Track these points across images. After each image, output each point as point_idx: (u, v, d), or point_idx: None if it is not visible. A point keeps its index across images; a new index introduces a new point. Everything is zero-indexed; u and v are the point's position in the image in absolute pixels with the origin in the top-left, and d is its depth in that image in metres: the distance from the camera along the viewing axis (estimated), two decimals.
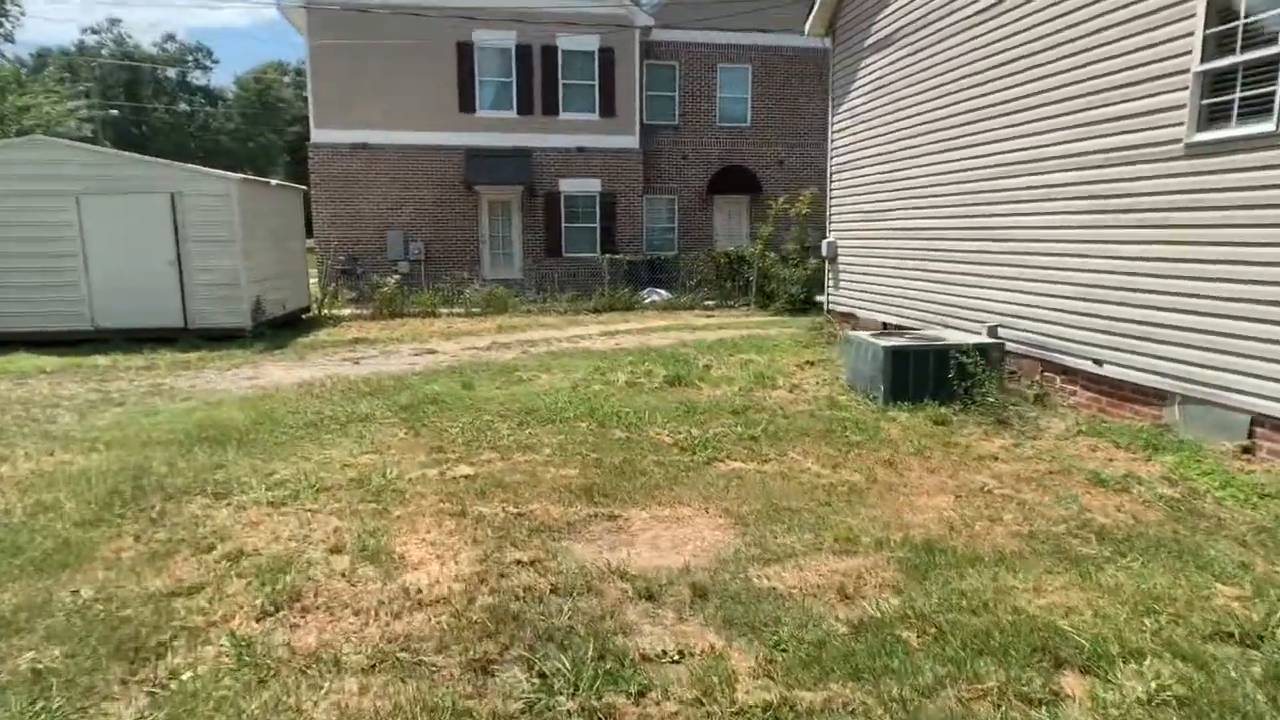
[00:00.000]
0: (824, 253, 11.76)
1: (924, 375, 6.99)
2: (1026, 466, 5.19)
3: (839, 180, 11.32)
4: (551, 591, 3.39)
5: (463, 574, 3.57)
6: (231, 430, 6.20)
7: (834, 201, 11.56)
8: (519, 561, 3.70)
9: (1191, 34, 5.46)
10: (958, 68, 8.09)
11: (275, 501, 4.58)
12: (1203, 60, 5.40)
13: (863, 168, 10.49)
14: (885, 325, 10.05)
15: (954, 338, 7.25)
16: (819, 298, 15.35)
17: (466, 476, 5.04)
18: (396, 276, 15.49)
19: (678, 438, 5.94)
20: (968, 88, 7.92)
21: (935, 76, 8.52)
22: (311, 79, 18.25)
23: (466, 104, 18.62)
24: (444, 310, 15.44)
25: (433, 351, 10.79)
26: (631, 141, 19.43)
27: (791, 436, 5.97)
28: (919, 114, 8.86)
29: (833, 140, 11.47)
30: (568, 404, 7.03)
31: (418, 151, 18.64)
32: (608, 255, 16.63)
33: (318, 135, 18.38)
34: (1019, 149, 7.23)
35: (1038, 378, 7.22)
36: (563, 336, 12.20)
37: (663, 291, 17.19)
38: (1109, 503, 4.47)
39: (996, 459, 5.37)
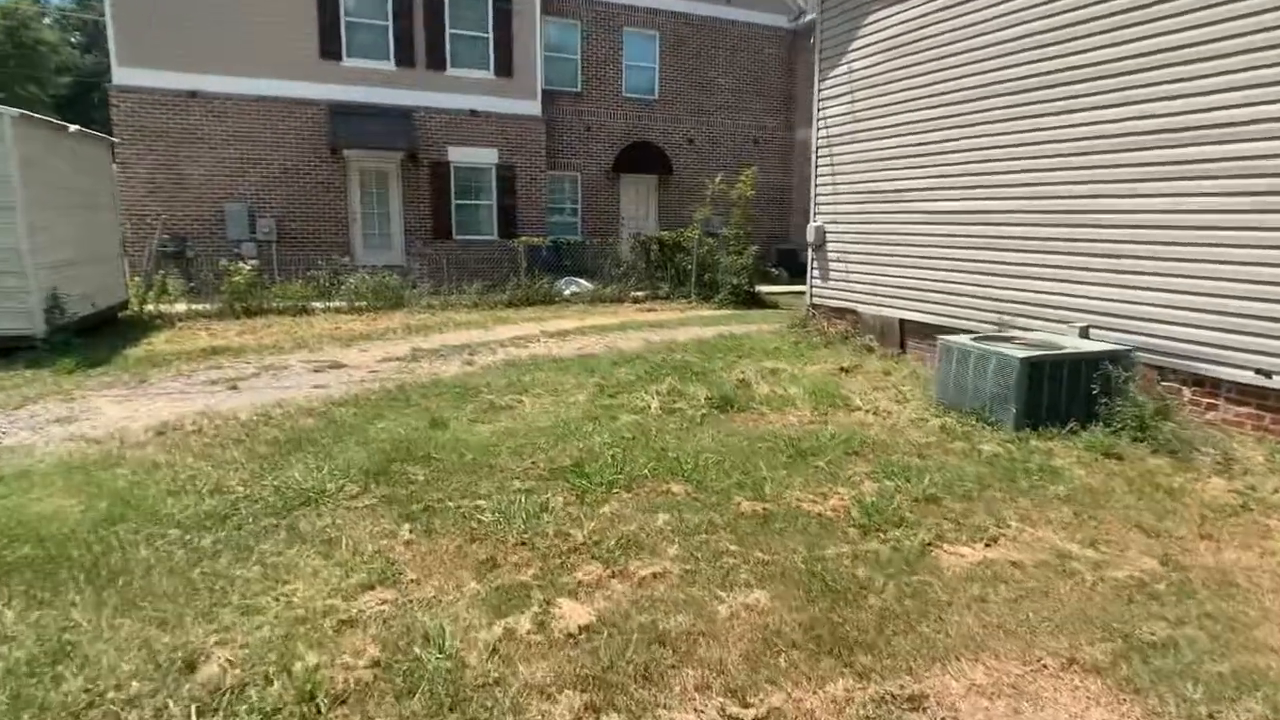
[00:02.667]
0: (809, 239, 10.16)
1: (1058, 393, 5.51)
2: None
3: (829, 157, 9.74)
4: None
5: None
6: (59, 549, 3.39)
7: (821, 181, 9.97)
8: None
9: None
10: (1031, 20, 6.67)
11: None
12: None
13: (868, 141, 8.95)
14: (903, 323, 8.61)
15: (1085, 345, 5.82)
16: (761, 288, 13.86)
17: (584, 631, 2.77)
18: (253, 262, 12.01)
19: (836, 508, 3.97)
20: (1050, 44, 6.52)
21: (993, 32, 7.08)
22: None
23: (330, 48, 15.16)
24: (319, 305, 12.21)
25: (338, 365, 7.94)
26: (533, 107, 16.87)
27: (969, 491, 4.23)
28: (965, 78, 7.41)
29: (821, 110, 9.86)
30: (616, 450, 4.81)
31: (266, 104, 14.93)
32: (524, 239, 14.07)
33: (124, 76, 14.13)
34: (1133, 117, 5.91)
35: (1156, 389, 5.96)
36: (498, 339, 9.70)
37: (583, 281, 14.94)
38: None
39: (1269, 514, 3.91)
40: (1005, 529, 3.78)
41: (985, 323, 7.45)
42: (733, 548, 3.49)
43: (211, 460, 4.65)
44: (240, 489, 4.12)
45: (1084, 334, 6.41)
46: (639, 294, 14.40)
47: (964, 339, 6.10)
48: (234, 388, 6.85)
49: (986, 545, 3.61)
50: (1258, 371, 5.39)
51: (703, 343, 9.33)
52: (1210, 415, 5.66)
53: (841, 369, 7.57)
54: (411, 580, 3.14)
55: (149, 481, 4.24)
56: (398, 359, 8.32)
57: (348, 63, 15.34)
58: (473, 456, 4.71)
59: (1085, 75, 6.29)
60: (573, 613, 2.88)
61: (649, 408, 5.96)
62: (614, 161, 18.82)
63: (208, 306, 11.62)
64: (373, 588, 3.07)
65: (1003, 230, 7.17)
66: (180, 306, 11.74)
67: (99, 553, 3.34)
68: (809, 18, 19.66)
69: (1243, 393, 5.51)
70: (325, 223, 15.71)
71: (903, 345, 8.67)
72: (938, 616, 2.93)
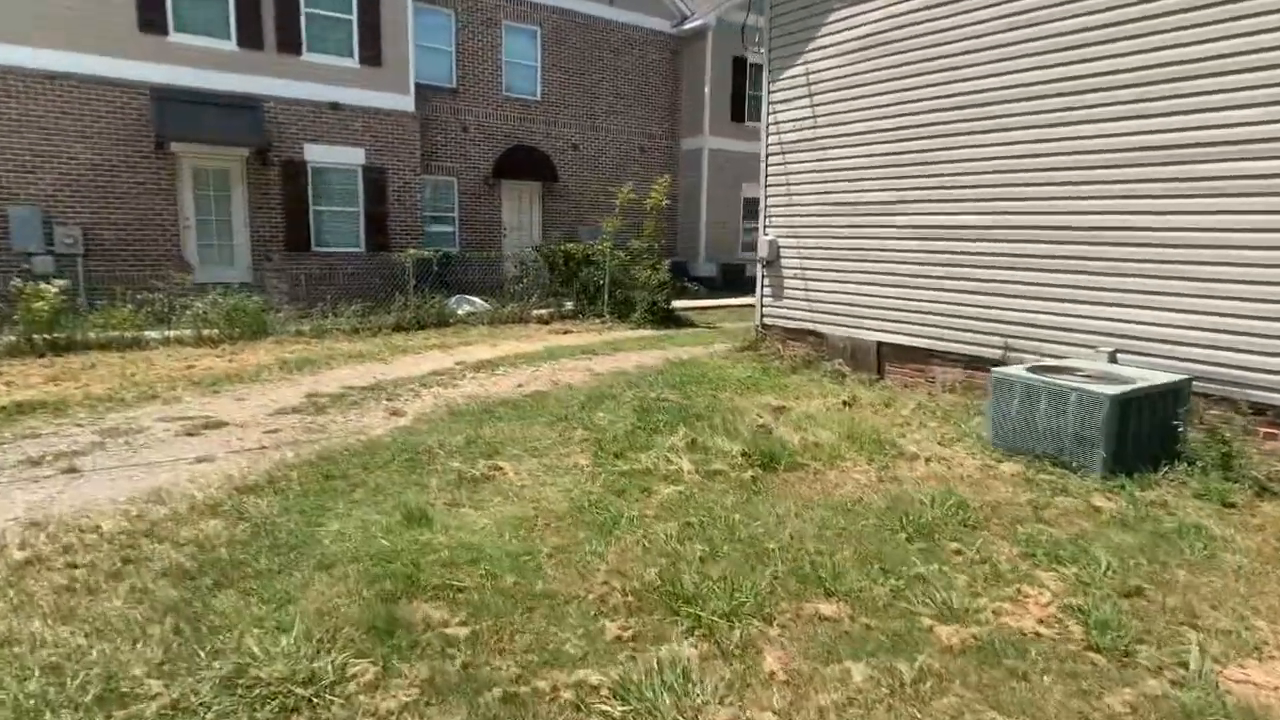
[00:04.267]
0: (760, 254, 9.34)
1: (1140, 430, 4.95)
2: None
3: (782, 165, 8.97)
4: None
5: None
6: None
7: (773, 191, 9.19)
8: None
9: None
10: (1048, 20, 6.22)
11: None
12: None
13: (835, 149, 8.27)
14: (880, 346, 7.99)
15: (1158, 376, 5.31)
16: (676, 305, 12.98)
17: None
18: (60, 283, 9.22)
19: (1045, 619, 3.03)
20: (1067, 48, 6.08)
21: (1011, 30, 6.58)
22: None
23: (152, 19, 12.38)
24: (154, 336, 9.67)
25: (215, 424, 5.96)
26: (405, 102, 14.89)
27: (1153, 573, 3.44)
28: (971, 80, 6.88)
29: (772, 114, 9.07)
30: (694, 546, 3.56)
31: (67, 84, 11.90)
32: (412, 252, 12.09)
33: None
34: (1180, 128, 5.55)
35: (1204, 417, 5.61)
36: (410, 375, 7.97)
37: (477, 300, 13.24)
38: None
39: None
40: (1253, 630, 2.99)
41: (986, 346, 6.93)
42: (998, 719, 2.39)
43: (82, 625, 2.85)
44: (150, 696, 2.42)
45: (1112, 359, 6.01)
46: (542, 312, 12.95)
47: (1019, 370, 5.42)
48: (72, 470, 4.77)
49: (1262, 660, 2.78)
50: None
51: (660, 373, 8.18)
52: (1269, 445, 5.32)
53: (844, 403, 6.72)
54: None
55: None
56: (294, 410, 6.44)
57: (176, 38, 12.61)
58: (511, 579, 3.26)
59: (1109, 83, 5.88)
60: None
61: (681, 471, 4.73)
62: (494, 166, 17.18)
63: None
64: None
65: (1012, 247, 6.67)
66: None
67: None
68: (693, 24, 19.22)
69: None
70: (149, 231, 12.82)
71: (879, 370, 8.03)
72: None
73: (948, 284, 7.26)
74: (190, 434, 5.66)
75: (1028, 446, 5.20)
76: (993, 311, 6.90)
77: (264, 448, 5.33)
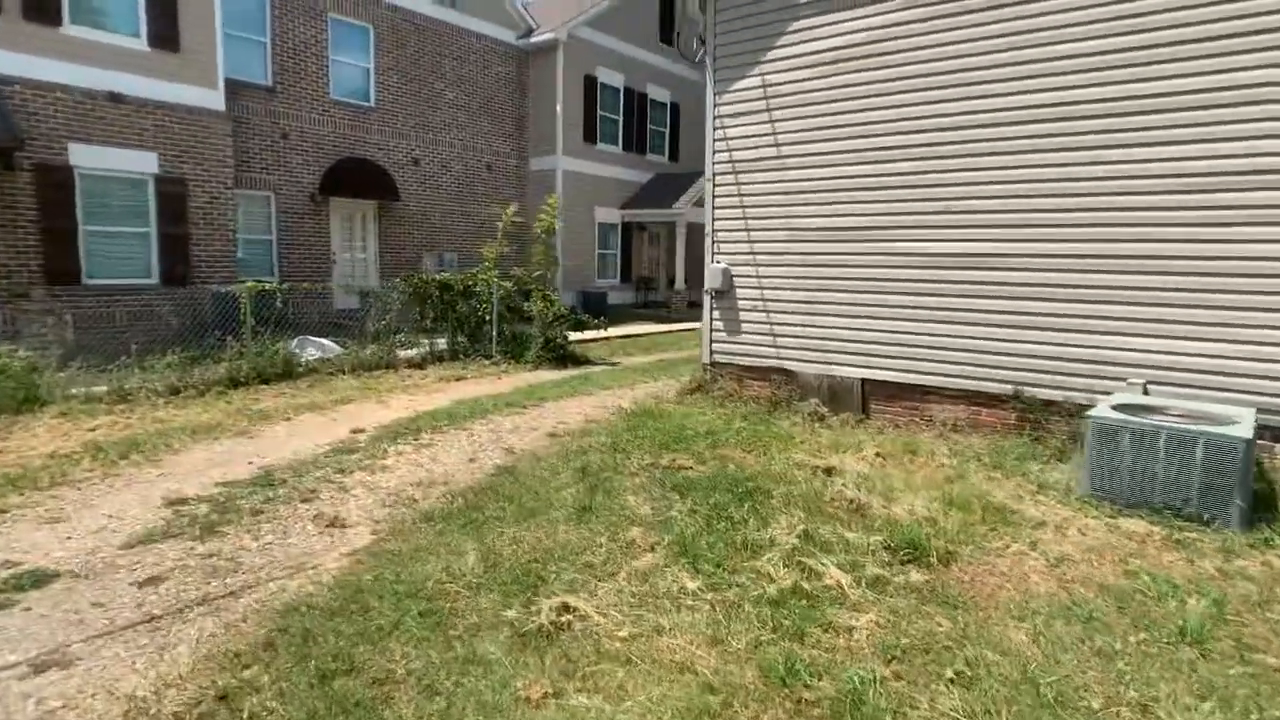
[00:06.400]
0: (709, 284, 8.28)
1: (1249, 475, 4.54)
2: None
3: (735, 185, 8.02)
4: None
5: None
6: None
7: (723, 214, 8.19)
8: None
9: None
10: (1085, 37, 5.87)
11: None
12: None
13: (803, 170, 7.47)
14: (865, 383, 7.27)
15: (1244, 413, 4.95)
16: (573, 337, 11.58)
17: None
18: None
19: None
20: (1113, 66, 5.75)
21: (1042, 45, 6.16)
22: None
23: None
24: None
25: (37, 579, 3.60)
26: (212, 98, 11.95)
27: None
28: (986, 99, 6.38)
29: (720, 129, 8.09)
30: None
31: None
32: (252, 285, 9.27)
33: None
34: (1246, 154, 5.37)
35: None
36: (303, 455, 5.82)
37: (325, 342, 10.75)
38: None
39: None
40: None
41: (993, 381, 6.43)
42: None
43: None
44: None
45: (1144, 392, 5.71)
46: (412, 354, 10.83)
47: (1109, 413, 4.82)
48: None
49: None
50: None
51: (628, 428, 6.76)
52: None
53: (879, 456, 5.82)
54: None
55: None
56: (164, 533, 4.19)
57: None
58: None
59: (1129, 108, 5.60)
60: None
61: (839, 584, 3.44)
62: (321, 181, 14.54)
63: None
64: None
65: (1029, 276, 6.21)
66: None
67: None
68: (542, 37, 17.93)
69: None
70: None
71: (864, 409, 7.30)
72: None
73: (948, 315, 6.69)
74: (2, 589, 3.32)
75: (1141, 499, 4.60)
76: (1002, 344, 6.41)
77: (152, 620, 3.20)
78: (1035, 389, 6.23)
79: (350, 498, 4.85)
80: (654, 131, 21.20)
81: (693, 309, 20.98)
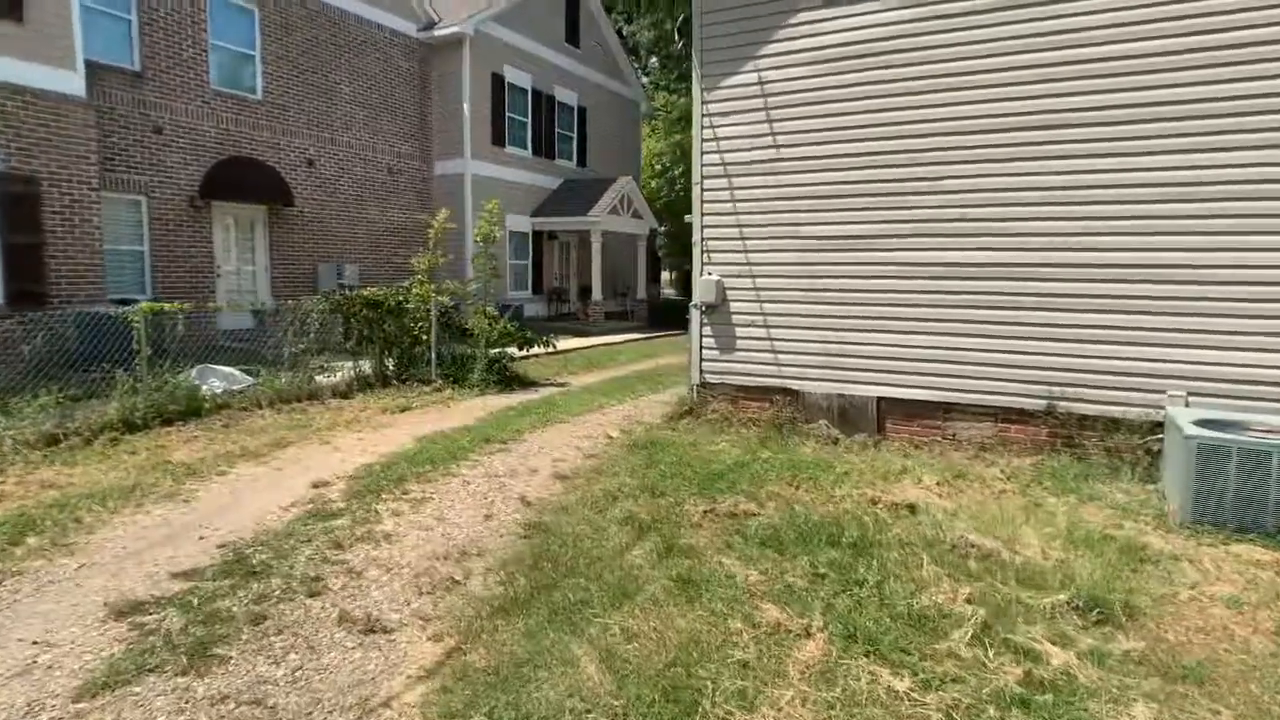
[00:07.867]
0: (699, 297, 7.61)
1: None
2: None
3: (728, 190, 7.42)
4: None
5: None
6: None
7: (715, 221, 7.56)
8: None
9: None
10: (1140, 37, 5.72)
11: None
12: None
13: (807, 174, 6.98)
14: (880, 402, 6.88)
15: None
16: (515, 355, 10.61)
17: None
18: None
19: None
20: (1178, 67, 5.62)
21: (1088, 46, 5.94)
22: None
23: None
24: None
25: None
26: (70, 81, 9.92)
27: None
28: (1023, 100, 6.13)
29: (711, 128, 7.45)
30: None
31: None
32: (149, 306, 7.47)
33: None
34: None
35: None
36: (266, 523, 4.61)
37: (231, 370, 9.10)
38: None
39: None
40: None
41: (1025, 396, 6.20)
42: None
43: None
44: None
45: (1185, 404, 5.63)
46: (335, 381, 9.41)
47: (1212, 432, 4.60)
48: None
49: None
50: None
51: (648, 464, 5.96)
52: None
53: (938, 484, 5.37)
54: None
55: None
56: (129, 663, 2.98)
57: None
58: None
59: (1189, 111, 5.51)
60: None
61: (1067, 666, 2.86)
62: (203, 183, 12.59)
63: None
64: None
65: (1063, 287, 6.00)
66: None
67: None
68: (446, 30, 16.63)
69: None
70: None
71: (880, 429, 6.90)
72: None
73: (973, 328, 6.40)
74: None
75: (1255, 524, 4.39)
76: (1034, 358, 6.18)
77: None
78: (1071, 403, 6.04)
79: (370, 584, 3.76)
80: (562, 135, 20.32)
81: (610, 320, 20.26)
